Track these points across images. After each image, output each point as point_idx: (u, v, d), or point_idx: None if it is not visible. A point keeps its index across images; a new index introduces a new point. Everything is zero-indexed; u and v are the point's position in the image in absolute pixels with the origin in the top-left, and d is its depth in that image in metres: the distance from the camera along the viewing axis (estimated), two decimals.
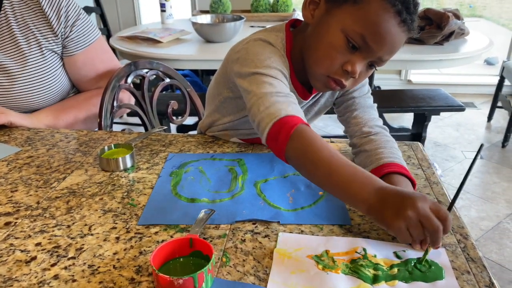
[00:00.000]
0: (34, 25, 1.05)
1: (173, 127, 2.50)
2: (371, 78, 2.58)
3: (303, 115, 0.71)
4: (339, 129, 3.03)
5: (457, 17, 2.16)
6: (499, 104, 2.99)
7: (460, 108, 2.25)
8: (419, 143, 0.92)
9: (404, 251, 0.59)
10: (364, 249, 0.59)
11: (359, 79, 0.77)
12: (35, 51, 1.06)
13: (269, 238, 0.63)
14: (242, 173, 0.81)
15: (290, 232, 0.64)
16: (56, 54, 1.10)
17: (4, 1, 1.04)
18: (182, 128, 2.50)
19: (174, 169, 0.82)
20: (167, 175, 0.80)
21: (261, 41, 0.79)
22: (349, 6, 0.70)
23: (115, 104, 1.11)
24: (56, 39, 1.07)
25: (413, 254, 0.59)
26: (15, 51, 1.04)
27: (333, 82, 0.76)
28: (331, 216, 0.68)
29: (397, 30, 0.70)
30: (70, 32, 1.08)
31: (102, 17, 2.99)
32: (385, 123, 2.88)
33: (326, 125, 3.08)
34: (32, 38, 1.05)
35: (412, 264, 0.57)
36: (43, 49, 1.06)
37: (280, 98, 0.71)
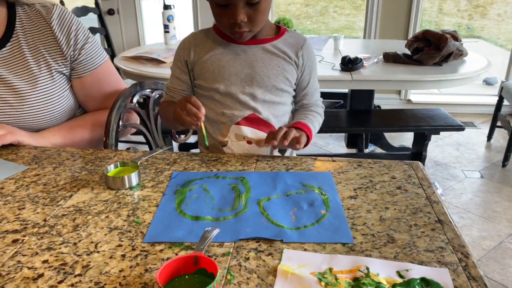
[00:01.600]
0: (44, 48, 1.08)
1: (175, 145, 2.52)
2: (370, 98, 2.61)
3: (171, 98, 1.08)
4: (340, 148, 3.06)
5: (455, 38, 2.20)
6: (499, 123, 3.02)
7: (459, 128, 2.27)
8: (419, 162, 0.93)
9: (407, 270, 0.60)
10: (367, 268, 0.60)
11: (254, 16, 0.93)
12: (45, 73, 1.09)
13: (272, 256, 0.64)
14: (245, 191, 0.82)
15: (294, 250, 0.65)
16: (64, 76, 1.12)
17: (16, 26, 1.07)
18: (185, 147, 2.52)
19: (179, 187, 0.84)
20: (172, 193, 0.82)
21: (179, 43, 1.08)
22: None
23: (120, 123, 1.14)
24: (65, 62, 1.11)
25: (416, 273, 0.60)
26: (26, 73, 1.07)
27: (236, 34, 0.97)
28: (334, 235, 0.69)
29: None
30: (79, 55, 1.12)
31: (107, 38, 3.05)
32: (385, 142, 2.86)
33: (327, 144, 3.10)
34: (42, 61, 1.08)
35: (415, 284, 0.58)
36: (53, 71, 1.09)
37: (166, 90, 1.11)
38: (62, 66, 1.11)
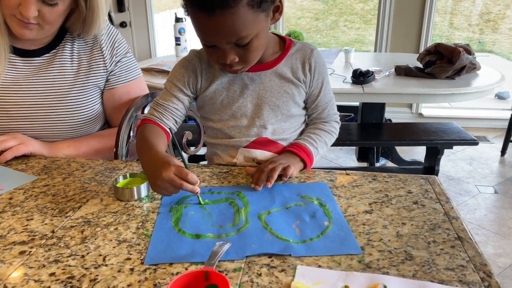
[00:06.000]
0: (88, 63, 1.12)
1: (184, 156, 2.51)
2: (381, 111, 2.59)
3: (159, 117, 0.96)
4: (351, 162, 3.02)
5: (468, 52, 2.18)
6: None
7: (473, 142, 2.23)
8: (436, 177, 0.91)
9: None
10: (385, 286, 0.57)
11: (246, 56, 0.86)
12: (80, 82, 1.11)
13: (285, 273, 0.62)
14: (243, 206, 0.80)
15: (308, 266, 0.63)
16: (99, 89, 1.16)
17: (66, 36, 1.11)
18: (194, 158, 2.50)
19: (173, 205, 0.80)
20: (167, 211, 0.78)
21: (181, 61, 0.99)
22: None
23: (131, 134, 1.13)
24: (105, 75, 1.14)
25: None
26: (61, 80, 1.09)
27: (229, 71, 0.91)
28: (341, 247, 0.67)
29: (207, 17, 0.78)
30: (115, 67, 1.15)
31: None
32: (397, 156, 2.81)
33: (338, 157, 3.07)
34: (82, 73, 1.11)
35: None
36: (89, 83, 1.12)
37: (155, 105, 0.98)
38: (101, 79, 1.14)
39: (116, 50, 1.15)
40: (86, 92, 1.11)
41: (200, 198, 0.81)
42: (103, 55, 1.13)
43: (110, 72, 1.15)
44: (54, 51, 1.10)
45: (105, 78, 1.15)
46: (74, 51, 1.11)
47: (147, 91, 1.25)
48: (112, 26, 1.17)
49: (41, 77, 1.08)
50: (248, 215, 0.77)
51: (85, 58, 1.11)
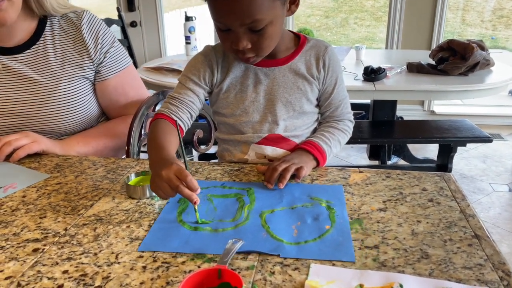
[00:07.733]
0: (72, 54, 1.11)
1: (195, 154, 2.51)
2: (393, 108, 2.56)
3: (175, 110, 0.94)
4: (362, 160, 3.00)
5: (482, 48, 2.15)
6: None
7: (487, 140, 2.19)
8: (451, 174, 0.89)
9: None
10: (401, 285, 0.56)
11: (259, 42, 0.85)
12: (67, 76, 1.10)
13: (299, 271, 0.61)
14: (249, 203, 0.79)
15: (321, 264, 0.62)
16: (88, 81, 1.14)
17: (46, 31, 1.10)
18: (204, 157, 2.51)
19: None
20: (175, 202, 0.79)
21: (196, 56, 0.99)
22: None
23: (143, 132, 1.13)
24: (91, 66, 1.13)
25: None
26: (48, 74, 1.09)
27: (241, 58, 0.91)
28: (335, 252, 0.65)
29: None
30: (104, 58, 1.14)
31: (129, 49, 3.09)
32: (409, 154, 2.77)
33: (349, 155, 3.05)
34: (68, 65, 1.11)
35: None
36: (77, 75, 1.11)
37: (170, 99, 0.96)
38: (88, 71, 1.13)
39: (101, 40, 1.12)
40: (74, 84, 1.11)
41: (197, 213, 0.74)
42: (86, 47, 1.11)
43: (100, 64, 1.14)
44: (35, 47, 1.09)
45: (93, 70, 1.13)
46: (56, 45, 1.10)
47: (138, 77, 1.25)
48: (95, 16, 1.15)
49: (28, 73, 1.08)
50: (251, 212, 0.76)
51: (68, 51, 1.11)
